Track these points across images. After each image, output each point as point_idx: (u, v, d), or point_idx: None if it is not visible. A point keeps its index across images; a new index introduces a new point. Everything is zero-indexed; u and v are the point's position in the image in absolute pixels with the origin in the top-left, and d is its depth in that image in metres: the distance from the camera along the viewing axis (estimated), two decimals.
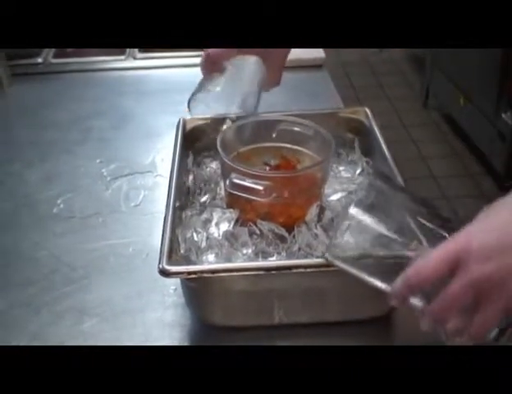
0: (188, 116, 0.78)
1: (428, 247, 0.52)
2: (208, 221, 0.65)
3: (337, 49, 2.91)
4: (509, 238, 0.44)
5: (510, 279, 0.43)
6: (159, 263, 0.56)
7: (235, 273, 0.57)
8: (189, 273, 0.56)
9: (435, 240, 0.51)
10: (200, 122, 0.78)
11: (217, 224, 0.65)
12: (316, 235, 0.63)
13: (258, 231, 0.63)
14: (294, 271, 0.56)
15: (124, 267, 0.71)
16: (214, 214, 0.65)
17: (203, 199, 0.71)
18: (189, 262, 0.60)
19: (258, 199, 0.62)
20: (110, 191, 0.84)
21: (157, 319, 0.64)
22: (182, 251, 0.61)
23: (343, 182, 0.71)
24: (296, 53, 0.82)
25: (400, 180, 0.66)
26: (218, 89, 0.72)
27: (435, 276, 0.45)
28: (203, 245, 0.62)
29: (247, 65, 0.72)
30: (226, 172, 0.66)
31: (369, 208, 0.55)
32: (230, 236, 0.63)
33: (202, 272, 0.56)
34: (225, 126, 0.71)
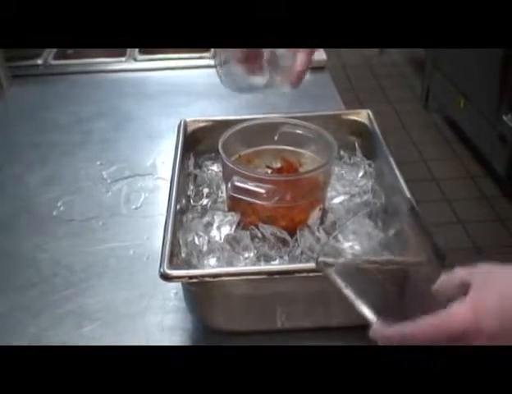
0: (189, 118, 0.77)
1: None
2: (209, 224, 0.65)
3: (338, 52, 2.91)
4: None
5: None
6: (160, 267, 0.55)
7: (236, 278, 0.57)
8: (191, 278, 0.56)
9: None
10: (201, 124, 0.77)
11: (218, 227, 0.64)
12: (318, 238, 0.62)
13: (259, 235, 0.63)
14: (297, 275, 0.56)
15: (124, 270, 0.70)
16: (215, 217, 0.65)
17: (205, 202, 0.70)
18: (190, 266, 0.59)
19: (260, 202, 0.62)
20: (110, 194, 0.84)
21: (158, 323, 0.63)
22: (183, 255, 0.61)
23: (345, 185, 0.71)
24: None
25: (402, 183, 0.66)
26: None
27: (431, 343, 0.42)
28: (205, 248, 0.62)
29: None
30: (227, 175, 0.65)
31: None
32: (231, 240, 0.62)
33: (203, 276, 0.56)
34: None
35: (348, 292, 0.49)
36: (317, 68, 1.10)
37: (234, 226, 0.64)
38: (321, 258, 0.49)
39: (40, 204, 0.82)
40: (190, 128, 0.77)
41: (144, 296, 0.66)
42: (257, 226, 0.63)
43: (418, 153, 2.35)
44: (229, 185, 0.62)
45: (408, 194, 0.63)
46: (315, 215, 0.65)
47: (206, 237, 0.63)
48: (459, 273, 0.45)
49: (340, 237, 0.64)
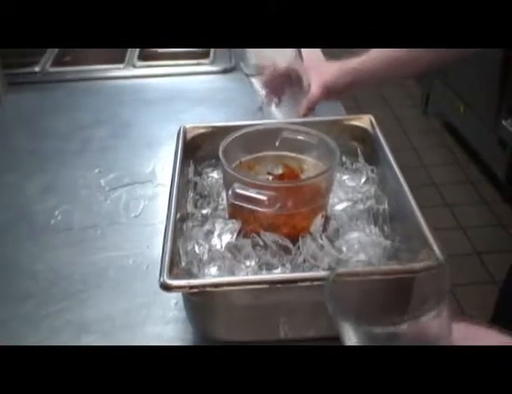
0: (188, 125, 0.76)
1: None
2: (209, 232, 0.63)
3: (338, 58, 2.91)
4: None
5: None
6: (160, 276, 0.54)
7: (238, 287, 0.55)
8: (191, 287, 0.54)
9: None
10: (201, 131, 0.76)
11: (219, 235, 0.63)
12: (321, 246, 0.61)
13: (261, 243, 0.62)
14: (300, 284, 0.55)
15: (123, 280, 0.69)
16: (216, 225, 0.64)
17: (205, 209, 0.69)
18: (190, 275, 0.58)
19: (262, 209, 0.61)
20: (109, 202, 0.83)
21: (158, 334, 0.62)
22: (183, 264, 0.60)
23: (348, 191, 0.70)
24: None
25: (405, 188, 0.65)
26: None
27: None
28: (205, 257, 0.61)
29: None
30: (228, 182, 0.64)
31: None
32: (232, 248, 0.61)
33: (204, 285, 0.55)
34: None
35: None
36: None
37: (235, 234, 0.63)
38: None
39: (37, 213, 0.81)
40: (190, 134, 0.76)
41: (144, 307, 0.65)
42: (258, 234, 0.62)
43: (418, 159, 2.35)
44: (230, 192, 0.61)
45: (411, 200, 0.62)
46: (317, 222, 0.63)
47: (206, 246, 0.62)
48: None
49: (343, 247, 0.63)
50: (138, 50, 1.26)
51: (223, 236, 0.63)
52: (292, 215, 0.63)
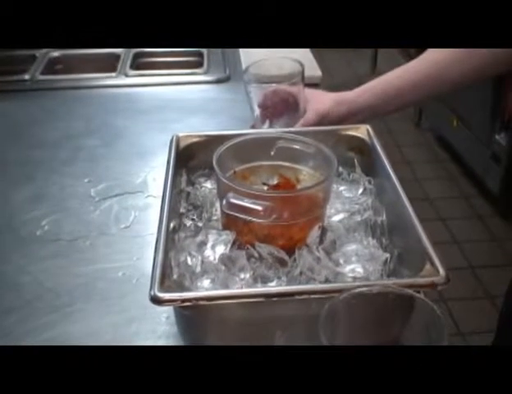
0: (181, 133, 0.74)
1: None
2: (202, 243, 0.61)
3: (330, 71, 2.91)
4: None
5: None
6: (150, 289, 0.52)
7: (232, 301, 0.53)
8: (184, 301, 0.52)
9: None
10: (194, 139, 0.74)
11: (212, 247, 0.61)
12: (318, 258, 0.59)
13: (256, 255, 0.59)
14: (298, 297, 0.52)
15: (112, 293, 0.66)
16: (210, 236, 0.61)
17: (198, 220, 0.67)
18: (182, 288, 0.56)
19: (257, 219, 0.59)
20: (98, 212, 0.80)
21: None
22: (175, 276, 0.57)
23: (345, 202, 0.68)
24: None
25: (404, 199, 0.63)
26: None
27: None
28: (198, 269, 0.58)
29: None
30: (222, 192, 0.62)
31: None
32: (226, 260, 0.59)
33: (197, 299, 0.52)
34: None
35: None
36: (311, 85, 1.07)
37: (229, 246, 0.61)
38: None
39: (24, 223, 0.78)
40: (183, 143, 0.74)
41: (134, 321, 0.62)
42: (253, 246, 0.60)
43: (412, 173, 2.34)
44: (224, 202, 0.59)
45: (411, 212, 0.61)
46: (314, 234, 0.61)
47: (199, 257, 0.59)
48: None
49: (341, 260, 0.61)
50: (130, 59, 1.24)
51: (217, 248, 0.61)
52: (288, 226, 0.61)
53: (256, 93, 0.82)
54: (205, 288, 0.56)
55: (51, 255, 0.72)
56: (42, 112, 1.07)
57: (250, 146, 0.68)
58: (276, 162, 0.69)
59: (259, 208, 0.58)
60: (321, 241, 0.62)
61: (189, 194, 0.71)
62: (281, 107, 0.81)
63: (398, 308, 0.47)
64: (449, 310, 1.71)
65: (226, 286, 0.56)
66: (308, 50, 1.23)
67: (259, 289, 0.56)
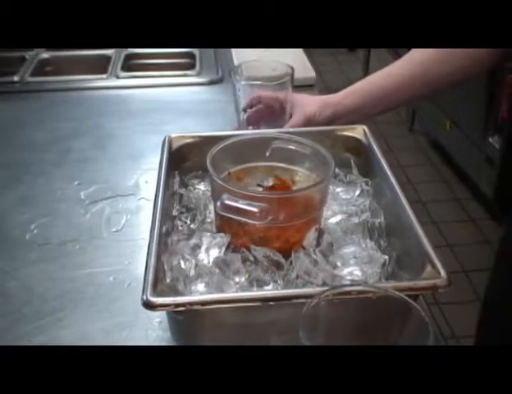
0: (174, 134, 0.73)
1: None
2: (196, 246, 0.59)
3: (323, 74, 2.91)
4: None
5: None
6: (143, 294, 0.50)
7: (227, 305, 0.51)
8: (177, 305, 0.50)
9: None
10: (188, 140, 0.73)
11: (206, 250, 0.59)
12: (315, 261, 0.58)
13: (251, 258, 0.58)
14: (295, 301, 0.51)
15: (103, 298, 0.64)
16: (203, 239, 0.60)
17: (191, 223, 0.65)
18: (176, 292, 0.54)
19: (252, 222, 0.57)
20: (89, 216, 0.78)
21: None
22: (168, 280, 0.56)
23: (342, 204, 0.67)
24: None
25: (403, 200, 0.62)
26: None
27: None
28: (192, 273, 0.57)
29: None
30: (216, 193, 0.60)
31: None
32: (221, 263, 0.57)
33: (191, 303, 0.50)
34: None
35: None
36: (306, 86, 1.06)
37: (223, 249, 0.59)
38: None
39: (11, 227, 0.76)
40: (176, 144, 0.72)
41: (125, 326, 0.60)
42: (248, 249, 0.58)
43: (405, 176, 2.34)
44: (218, 203, 0.58)
45: (410, 213, 0.59)
46: (311, 236, 0.60)
47: (193, 261, 0.58)
48: None
49: (338, 262, 0.59)
50: (121, 61, 1.22)
51: (211, 251, 0.59)
52: (285, 228, 0.60)
53: (245, 92, 0.81)
54: (199, 292, 0.55)
55: (40, 260, 0.70)
56: (31, 114, 1.05)
57: (245, 147, 0.67)
58: (271, 163, 0.68)
59: (255, 209, 0.56)
60: (318, 244, 0.60)
61: (182, 196, 0.69)
62: (265, 113, 0.81)
63: (385, 311, 0.46)
64: (442, 313, 1.71)
65: (221, 290, 0.55)
66: (301, 52, 1.22)
67: (255, 293, 0.55)
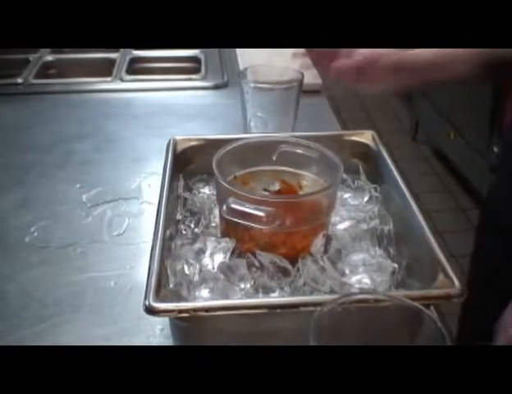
0: (178, 137, 0.71)
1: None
2: (201, 251, 0.58)
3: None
4: None
5: None
6: (145, 299, 0.48)
7: (232, 312, 0.50)
8: (180, 311, 0.48)
9: None
10: (192, 143, 0.71)
11: (211, 255, 0.58)
12: (323, 268, 0.56)
13: (257, 263, 0.56)
14: (302, 309, 0.49)
15: (104, 303, 0.63)
16: (208, 244, 0.58)
17: (196, 227, 0.64)
18: (179, 298, 0.52)
19: (259, 226, 0.55)
20: (90, 219, 0.77)
21: None
22: (171, 285, 0.54)
23: (350, 210, 0.65)
24: None
25: (414, 207, 0.60)
26: None
27: None
28: (196, 278, 0.55)
29: None
30: (222, 197, 0.59)
31: None
32: (226, 269, 0.55)
33: (195, 309, 0.49)
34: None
35: None
36: (313, 92, 1.05)
37: (228, 254, 0.57)
38: None
39: (11, 230, 0.74)
40: (180, 147, 0.71)
41: (126, 333, 0.59)
42: (254, 254, 0.56)
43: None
44: (224, 207, 0.56)
45: (422, 221, 0.58)
46: (318, 242, 0.58)
47: (197, 266, 0.56)
48: None
49: (346, 270, 0.58)
50: (126, 64, 1.21)
51: (215, 256, 0.57)
52: (291, 233, 0.58)
53: (253, 96, 0.81)
54: (203, 298, 0.53)
55: (39, 263, 0.69)
56: (34, 116, 1.04)
57: (251, 150, 0.66)
58: (277, 168, 0.66)
59: (261, 213, 0.54)
60: (325, 250, 0.59)
61: (186, 200, 0.68)
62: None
63: (395, 319, 0.44)
64: (447, 325, 1.68)
65: (226, 296, 0.53)
66: (307, 58, 1.21)
67: (261, 299, 0.53)
